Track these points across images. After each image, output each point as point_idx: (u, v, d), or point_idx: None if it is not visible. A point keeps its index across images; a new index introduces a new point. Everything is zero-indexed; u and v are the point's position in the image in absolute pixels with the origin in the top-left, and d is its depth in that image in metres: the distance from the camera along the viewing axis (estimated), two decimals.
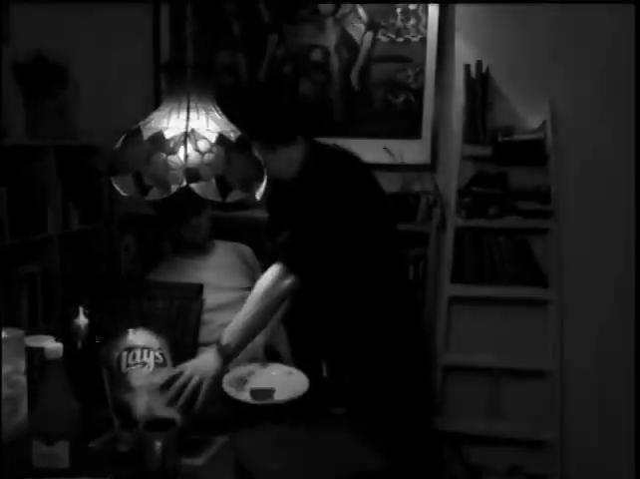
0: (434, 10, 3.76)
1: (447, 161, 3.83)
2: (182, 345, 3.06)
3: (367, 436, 2.21)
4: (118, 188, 1.97)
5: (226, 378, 2.48)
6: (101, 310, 2.94)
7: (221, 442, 2.14)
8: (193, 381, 2.25)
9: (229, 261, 3.35)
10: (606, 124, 3.68)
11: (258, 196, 2.02)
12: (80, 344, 2.46)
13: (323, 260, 2.60)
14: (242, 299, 3.17)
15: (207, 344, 3.06)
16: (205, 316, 3.08)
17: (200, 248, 3.35)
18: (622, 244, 3.69)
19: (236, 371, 2.59)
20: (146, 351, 2.30)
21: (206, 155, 1.88)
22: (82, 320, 2.48)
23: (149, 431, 1.85)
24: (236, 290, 3.22)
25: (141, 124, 1.98)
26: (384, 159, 3.86)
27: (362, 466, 2.03)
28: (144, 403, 2.13)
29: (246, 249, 3.46)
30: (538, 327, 3.86)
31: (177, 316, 3.08)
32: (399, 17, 3.80)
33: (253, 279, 3.24)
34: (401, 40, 3.82)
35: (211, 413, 2.28)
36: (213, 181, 1.89)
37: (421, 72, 3.81)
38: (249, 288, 3.17)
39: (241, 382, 2.51)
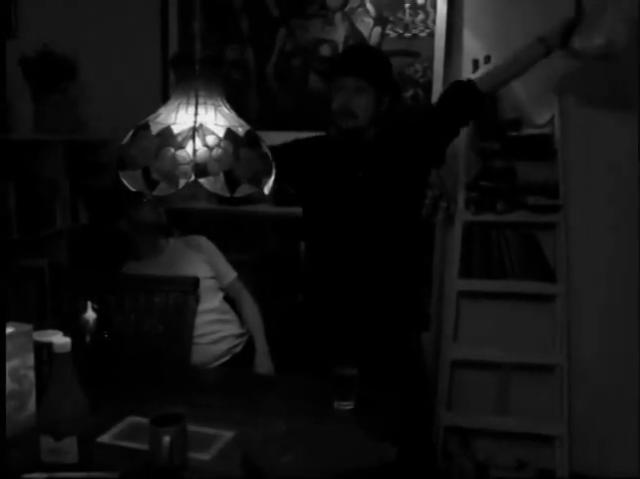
0: (442, 5, 3.74)
1: (454, 155, 3.82)
2: (179, 337, 3.10)
3: (371, 429, 2.22)
4: (126, 182, 1.97)
5: None
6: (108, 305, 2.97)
7: (229, 436, 2.14)
8: None
9: (183, 255, 3.38)
10: (614, 119, 3.67)
11: (267, 190, 2.02)
12: (88, 339, 2.47)
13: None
14: (205, 289, 3.25)
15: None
16: None
17: (153, 249, 3.38)
18: (630, 238, 3.68)
19: None
20: None
21: (215, 149, 1.88)
22: (90, 315, 2.48)
23: (157, 426, 1.85)
24: (201, 280, 3.25)
25: (149, 118, 1.98)
26: None
27: (369, 459, 2.03)
28: None
29: (200, 239, 3.50)
30: (546, 322, 3.86)
31: (174, 310, 3.12)
32: (407, 12, 3.79)
33: (212, 266, 3.32)
34: (409, 35, 3.81)
35: None
36: (222, 175, 1.89)
37: (429, 67, 3.80)
38: (211, 277, 3.26)
39: None
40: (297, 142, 3.21)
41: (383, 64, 3.04)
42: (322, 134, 3.20)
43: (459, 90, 3.09)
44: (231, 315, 3.42)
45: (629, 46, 3.19)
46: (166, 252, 3.40)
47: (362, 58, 3.02)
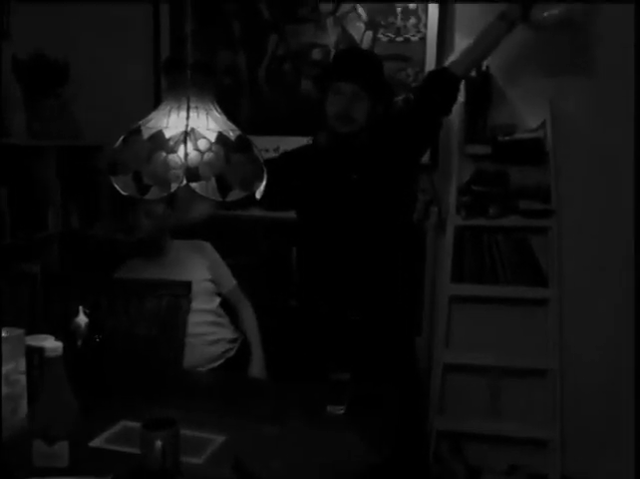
0: (434, 9, 3.75)
1: (446, 159, 3.83)
2: (171, 341, 3.10)
3: (364, 433, 2.22)
4: (118, 187, 1.97)
5: None
6: (100, 309, 2.97)
7: (221, 441, 2.14)
8: None
9: (186, 257, 3.41)
10: (605, 123, 3.68)
11: (258, 194, 2.02)
12: (80, 343, 2.46)
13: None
14: (204, 291, 3.26)
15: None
16: None
17: (157, 248, 3.40)
18: (622, 243, 3.69)
19: None
20: None
21: (206, 154, 1.88)
22: (82, 319, 2.48)
23: (149, 430, 1.85)
24: (197, 282, 3.26)
25: (141, 123, 1.98)
26: None
27: (359, 463, 2.03)
28: None
29: (205, 245, 3.53)
30: (538, 326, 3.86)
31: (166, 314, 3.12)
32: (399, 16, 3.80)
33: (212, 271, 3.33)
34: (401, 39, 3.81)
35: None
36: (213, 180, 1.89)
37: (420, 71, 3.80)
38: (210, 280, 3.27)
39: None
40: (285, 155, 3.24)
41: (379, 70, 3.07)
42: (309, 142, 3.22)
43: (435, 79, 3.18)
44: (226, 320, 3.44)
45: (587, 11, 3.37)
46: (170, 253, 3.43)
47: (360, 64, 3.03)
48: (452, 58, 3.33)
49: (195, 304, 3.23)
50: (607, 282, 3.79)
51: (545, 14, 3.22)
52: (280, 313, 3.64)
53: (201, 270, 3.38)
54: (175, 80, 2.03)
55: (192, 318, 3.19)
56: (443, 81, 3.13)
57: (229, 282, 3.46)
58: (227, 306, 3.48)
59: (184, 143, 1.89)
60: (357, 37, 3.87)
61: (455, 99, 3.21)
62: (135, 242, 3.38)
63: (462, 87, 3.35)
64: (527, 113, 3.76)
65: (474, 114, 3.70)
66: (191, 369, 3.12)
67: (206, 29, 4.01)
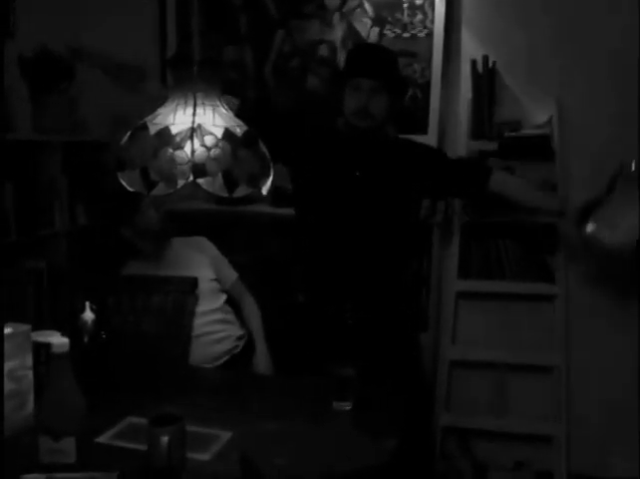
0: (440, 5, 3.74)
1: (453, 155, 3.81)
2: (178, 338, 3.10)
3: (370, 429, 2.22)
4: (124, 183, 1.97)
5: None
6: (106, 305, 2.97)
7: (227, 437, 2.14)
8: None
9: (187, 256, 3.38)
10: (612, 119, 3.67)
11: (264, 191, 2.02)
12: (86, 339, 2.47)
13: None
14: (209, 291, 3.25)
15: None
16: None
17: (155, 250, 3.37)
18: None
19: None
20: None
21: (213, 150, 1.88)
22: (88, 315, 2.48)
23: (155, 426, 1.85)
24: (202, 282, 3.26)
25: (147, 119, 1.98)
26: None
27: (365, 460, 2.03)
28: None
29: (203, 241, 3.50)
30: (545, 323, 3.86)
31: (173, 310, 3.12)
32: (405, 12, 3.79)
33: (215, 268, 3.32)
34: (407, 35, 3.81)
35: None
36: (220, 176, 1.89)
37: (427, 67, 3.80)
38: (215, 279, 3.26)
39: None
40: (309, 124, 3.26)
41: (395, 65, 3.07)
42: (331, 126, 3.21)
43: (475, 167, 3.27)
44: (233, 317, 3.43)
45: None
46: (169, 253, 3.40)
47: (377, 59, 3.03)
48: (505, 173, 3.37)
49: (202, 305, 3.22)
50: (613, 278, 3.78)
51: (602, 234, 2.86)
52: (286, 309, 3.63)
53: (205, 270, 3.35)
54: (182, 76, 2.03)
55: (199, 319, 3.19)
56: (477, 175, 3.13)
57: (231, 276, 3.44)
58: (232, 302, 3.47)
59: (191, 139, 1.89)
60: (363, 33, 3.86)
61: (473, 197, 3.36)
62: (139, 238, 3.35)
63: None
64: (534, 109, 3.75)
65: (480, 110, 3.69)
66: (198, 366, 3.12)
67: (213, 24, 4.00)
